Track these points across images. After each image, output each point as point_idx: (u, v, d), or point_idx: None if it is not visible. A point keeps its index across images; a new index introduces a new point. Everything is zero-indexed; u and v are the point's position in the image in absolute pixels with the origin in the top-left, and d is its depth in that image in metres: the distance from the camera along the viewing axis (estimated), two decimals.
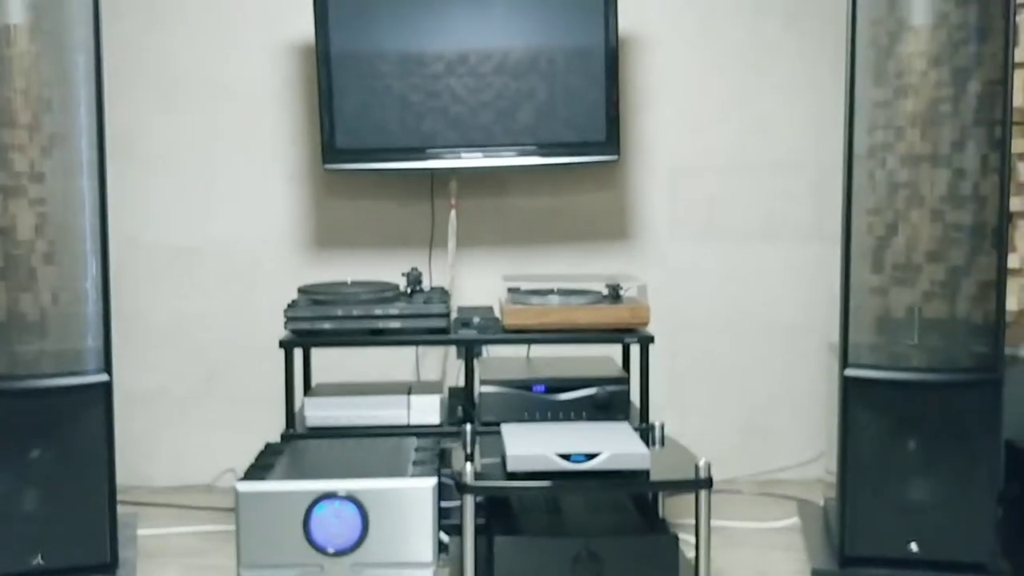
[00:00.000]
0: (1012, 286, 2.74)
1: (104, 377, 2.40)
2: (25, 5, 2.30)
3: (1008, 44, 2.33)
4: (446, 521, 2.51)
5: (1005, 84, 2.33)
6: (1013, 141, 2.69)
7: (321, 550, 2.24)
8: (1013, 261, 2.75)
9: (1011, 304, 2.76)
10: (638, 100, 3.33)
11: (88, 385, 2.38)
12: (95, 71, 2.38)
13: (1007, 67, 2.33)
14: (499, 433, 2.45)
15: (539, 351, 3.05)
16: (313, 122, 3.26)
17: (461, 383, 2.93)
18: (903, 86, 2.38)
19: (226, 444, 3.33)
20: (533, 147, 3.07)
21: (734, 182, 3.36)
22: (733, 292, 3.39)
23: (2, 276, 2.32)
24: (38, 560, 2.36)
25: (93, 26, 2.38)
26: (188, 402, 3.37)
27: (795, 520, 2.92)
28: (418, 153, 3.07)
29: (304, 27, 3.17)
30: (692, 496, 2.26)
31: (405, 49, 3.04)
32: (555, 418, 2.70)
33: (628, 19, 3.19)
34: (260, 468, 2.38)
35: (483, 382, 2.73)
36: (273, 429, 2.85)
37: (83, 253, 2.39)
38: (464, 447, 2.52)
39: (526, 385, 2.73)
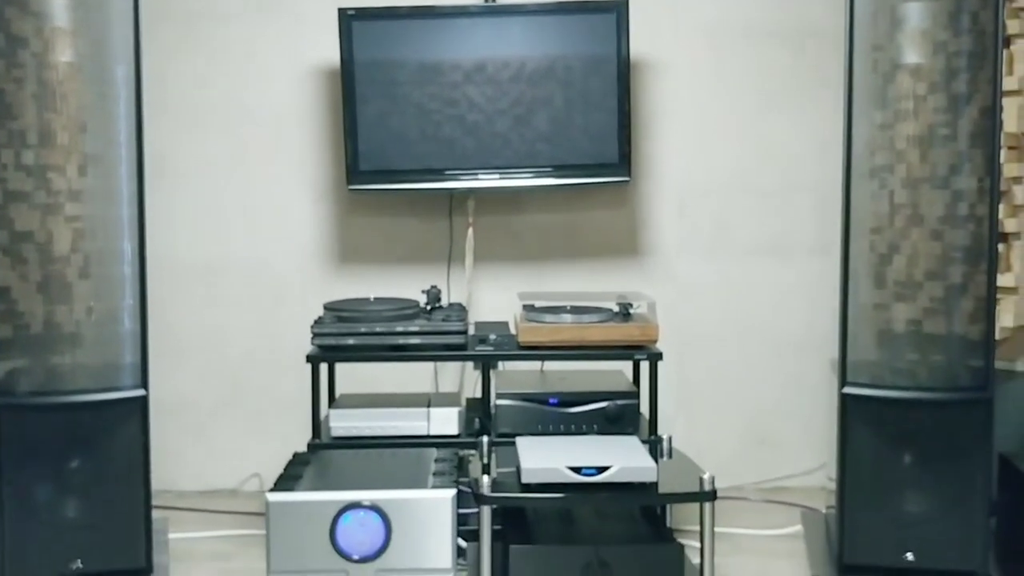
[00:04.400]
0: (1007, 304, 2.83)
1: (141, 392, 2.50)
2: (67, 33, 2.41)
3: (996, 72, 2.41)
4: (464, 527, 2.59)
5: (994, 111, 2.42)
6: (1008, 165, 2.79)
7: (346, 557, 2.34)
8: (1009, 280, 2.84)
9: (1007, 321, 2.85)
10: (649, 123, 3.43)
11: (126, 399, 2.49)
12: (135, 99, 2.49)
13: (995, 94, 2.42)
14: (514, 445, 2.55)
15: (553, 365, 3.14)
16: (336, 142, 3.38)
17: (478, 395, 3.04)
18: (903, 110, 2.46)
19: (250, 451, 3.45)
20: (549, 169, 3.18)
21: (741, 202, 3.45)
22: (739, 307, 3.48)
23: (39, 290, 2.43)
24: (78, 564, 2.45)
25: (134, 55, 2.48)
26: (214, 411, 3.48)
27: (798, 528, 3.01)
28: (437, 174, 3.19)
29: (327, 51, 3.28)
30: (698, 504, 2.37)
31: (423, 59, 3.16)
32: (568, 430, 2.80)
33: (639, 43, 3.28)
34: (289, 479, 2.48)
35: (499, 395, 2.84)
36: (295, 437, 2.96)
37: (121, 275, 2.49)
38: (481, 458, 2.62)
39: (540, 398, 2.83)
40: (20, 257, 2.41)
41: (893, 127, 2.47)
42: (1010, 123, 2.81)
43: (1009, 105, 2.79)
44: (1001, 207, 2.63)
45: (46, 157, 2.42)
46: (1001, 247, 2.79)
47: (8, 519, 2.42)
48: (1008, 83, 2.78)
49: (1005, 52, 2.61)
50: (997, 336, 2.60)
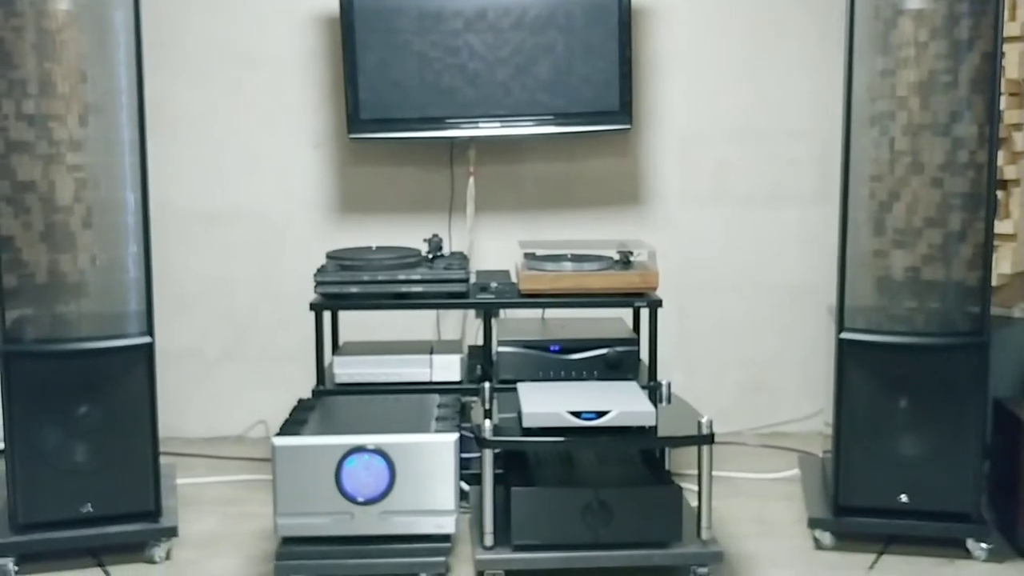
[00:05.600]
0: (1005, 250, 2.85)
1: (147, 339, 2.52)
2: None
3: (998, 18, 2.40)
4: (466, 471, 2.64)
5: (995, 57, 2.41)
6: (1008, 112, 2.79)
7: (351, 499, 2.38)
8: (1007, 227, 2.86)
9: (1005, 268, 2.87)
10: (650, 70, 3.42)
11: (132, 347, 2.51)
12: (135, 47, 2.47)
13: (996, 40, 2.41)
14: (515, 391, 2.58)
15: (553, 313, 3.16)
16: (337, 90, 3.37)
17: (480, 342, 3.07)
18: (904, 57, 2.45)
19: (255, 398, 3.49)
20: (549, 117, 3.18)
21: (743, 149, 3.45)
22: (740, 254, 3.50)
23: (42, 239, 2.44)
24: (87, 508, 2.49)
25: (132, 2, 2.46)
26: (219, 359, 3.52)
27: (795, 471, 3.05)
28: (438, 123, 3.19)
29: None
30: (696, 448, 2.40)
31: (424, 6, 3.14)
32: (568, 377, 2.83)
33: None
34: (294, 423, 2.51)
35: (500, 342, 2.86)
36: (300, 384, 3.00)
37: (124, 224, 2.50)
38: (483, 403, 2.65)
39: (541, 346, 2.85)
40: (23, 207, 2.42)
41: (894, 73, 2.46)
42: (1011, 69, 2.81)
43: (1010, 51, 2.78)
44: (1001, 154, 2.63)
45: (47, 106, 2.42)
46: (1000, 194, 2.80)
47: (18, 464, 2.46)
48: (1010, 28, 2.78)
49: None
50: (994, 282, 2.63)
